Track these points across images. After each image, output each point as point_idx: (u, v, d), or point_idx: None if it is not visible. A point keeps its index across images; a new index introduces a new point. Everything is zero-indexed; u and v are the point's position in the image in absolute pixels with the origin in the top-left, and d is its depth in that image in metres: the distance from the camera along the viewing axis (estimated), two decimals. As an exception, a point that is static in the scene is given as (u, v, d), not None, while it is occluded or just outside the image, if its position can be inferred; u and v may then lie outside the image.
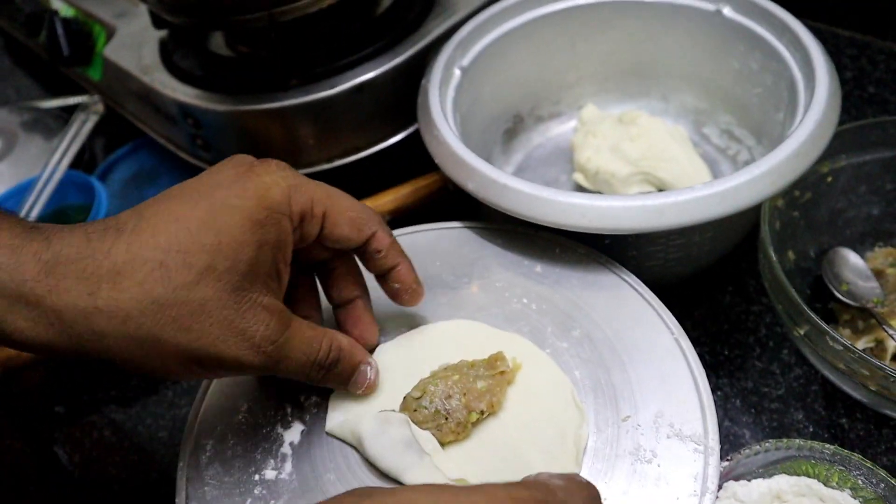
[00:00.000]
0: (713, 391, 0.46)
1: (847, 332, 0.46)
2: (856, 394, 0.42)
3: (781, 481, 0.38)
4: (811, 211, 0.49)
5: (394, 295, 0.41)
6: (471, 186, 0.46)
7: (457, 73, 0.56)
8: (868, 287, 0.48)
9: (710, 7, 0.55)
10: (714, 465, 0.35)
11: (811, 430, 0.44)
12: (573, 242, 0.45)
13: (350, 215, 0.38)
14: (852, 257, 0.49)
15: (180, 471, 0.39)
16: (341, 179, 0.58)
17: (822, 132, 0.43)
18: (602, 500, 0.31)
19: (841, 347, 0.37)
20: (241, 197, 0.34)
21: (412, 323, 0.43)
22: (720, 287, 0.52)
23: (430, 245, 0.48)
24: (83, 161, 0.74)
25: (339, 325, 0.41)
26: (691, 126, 0.62)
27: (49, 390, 0.57)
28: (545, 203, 0.42)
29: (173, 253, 0.32)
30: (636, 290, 0.42)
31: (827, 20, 0.70)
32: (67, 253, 0.32)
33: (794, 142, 0.42)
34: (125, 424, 0.54)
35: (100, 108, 0.73)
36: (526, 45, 0.60)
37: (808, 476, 0.38)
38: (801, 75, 0.49)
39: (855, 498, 0.37)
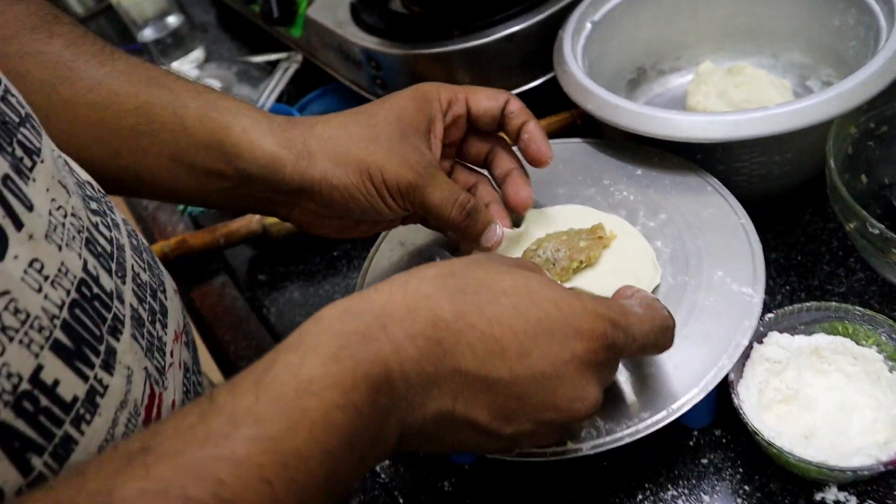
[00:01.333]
0: (782, 286, 0.56)
1: (906, 242, 0.54)
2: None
3: (820, 339, 0.47)
4: (886, 143, 0.57)
5: (526, 147, 0.50)
6: (590, 107, 0.58)
7: (588, 25, 0.67)
8: (934, 209, 0.55)
9: (815, -29, 0.64)
10: (757, 309, 0.45)
11: (864, 308, 0.52)
12: (669, 153, 0.56)
13: (486, 93, 0.51)
14: (923, 185, 0.56)
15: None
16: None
17: (887, 69, 0.51)
18: (672, 332, 0.39)
19: (878, 231, 0.46)
20: (407, 90, 0.50)
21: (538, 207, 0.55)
22: (801, 208, 0.61)
23: (556, 154, 0.59)
24: (282, 100, 0.93)
25: (503, 193, 0.52)
26: (796, 80, 0.70)
27: (255, 262, 0.75)
28: (643, 117, 0.54)
29: (362, 114, 0.48)
30: (715, 188, 0.53)
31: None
32: (300, 118, 0.49)
33: (858, 76, 0.51)
34: (309, 289, 0.70)
35: (299, 58, 0.91)
36: (652, 6, 0.71)
37: (844, 335, 0.47)
38: (885, 24, 0.56)
39: (880, 353, 0.46)
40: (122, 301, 0.38)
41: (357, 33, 0.78)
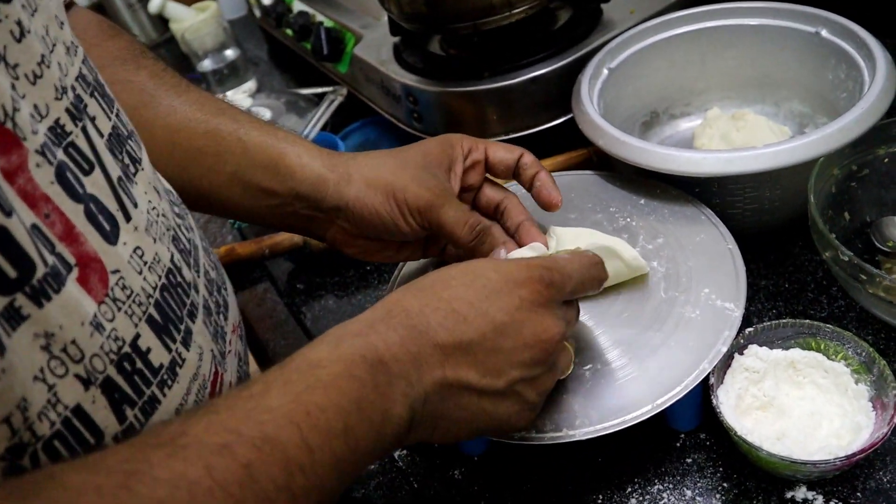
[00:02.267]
0: (769, 310, 0.62)
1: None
2: (878, 312, 0.56)
3: (796, 353, 0.53)
4: (867, 184, 0.63)
5: (538, 194, 0.56)
6: (601, 143, 0.65)
7: (605, 72, 0.75)
8: (912, 246, 0.61)
9: (811, 29, 0.71)
10: (736, 323, 0.51)
11: (833, 325, 0.58)
12: (670, 186, 0.63)
13: (504, 146, 0.58)
14: (902, 223, 0.62)
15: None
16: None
17: (866, 116, 0.58)
18: (603, 267, 0.48)
19: (847, 258, 0.52)
20: (434, 138, 0.58)
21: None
22: (792, 241, 0.67)
23: (569, 183, 0.67)
24: (326, 129, 1.01)
25: (518, 242, 0.57)
26: (796, 127, 0.76)
27: (295, 273, 0.83)
28: (645, 153, 0.61)
29: (394, 151, 0.57)
30: (708, 218, 0.60)
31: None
32: (346, 153, 0.58)
33: (839, 122, 0.57)
34: (342, 299, 0.78)
35: (343, 92, 1.00)
36: (664, 56, 0.78)
37: (816, 350, 0.53)
38: (868, 78, 0.63)
39: (847, 367, 0.52)
40: (197, 291, 0.46)
41: (398, 71, 0.86)
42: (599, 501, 0.53)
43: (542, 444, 0.49)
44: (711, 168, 0.58)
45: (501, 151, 0.58)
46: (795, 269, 0.65)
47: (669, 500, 0.52)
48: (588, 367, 0.51)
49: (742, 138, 0.72)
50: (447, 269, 0.44)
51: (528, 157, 0.58)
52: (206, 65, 1.18)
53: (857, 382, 0.51)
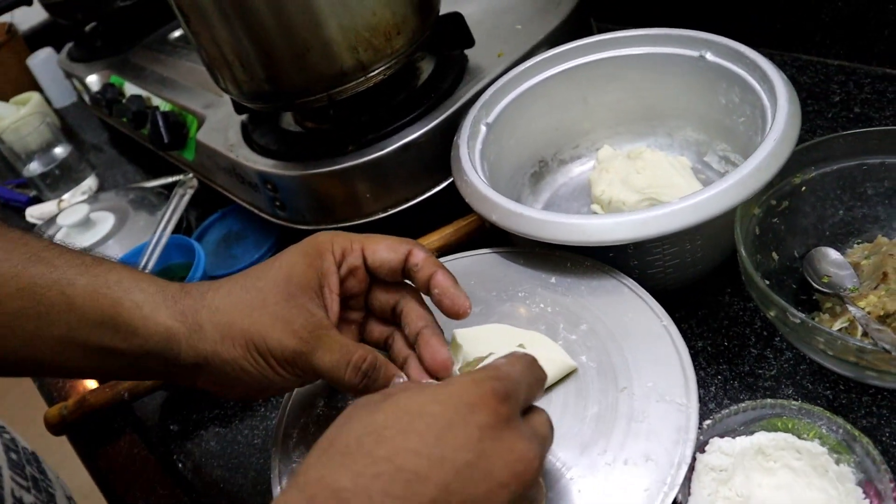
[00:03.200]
0: (714, 376, 0.54)
1: (826, 316, 0.54)
2: (835, 368, 0.49)
3: (762, 437, 0.46)
4: (790, 217, 0.57)
5: (439, 303, 0.46)
6: (494, 218, 0.56)
7: (483, 128, 0.67)
8: (846, 276, 0.55)
9: (694, 54, 0.65)
10: (694, 419, 0.43)
11: (799, 401, 0.51)
12: (581, 257, 0.55)
13: (386, 243, 0.47)
14: (832, 254, 0.56)
15: (273, 454, 0.50)
16: (395, 225, 0.70)
17: (779, 151, 0.51)
18: (539, 365, 0.39)
19: (799, 321, 0.45)
20: (299, 245, 0.47)
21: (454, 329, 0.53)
22: (720, 290, 0.60)
23: (466, 268, 0.58)
24: (181, 228, 0.88)
25: (419, 356, 0.47)
26: (694, 156, 0.71)
27: (165, 412, 0.69)
28: (550, 225, 0.52)
29: (251, 277, 0.46)
30: (632, 289, 0.52)
31: (817, 52, 0.79)
32: (191, 285, 0.46)
33: (753, 161, 0.51)
34: (226, 436, 0.65)
35: (194, 183, 0.88)
36: (543, 100, 0.71)
37: (784, 431, 0.46)
38: (769, 104, 0.57)
39: (823, 445, 0.44)
40: None
41: (250, 156, 0.75)
42: None
43: None
44: (628, 234, 0.50)
45: (383, 251, 0.47)
46: (731, 322, 0.58)
47: None
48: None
49: (644, 181, 0.65)
50: (371, 416, 0.34)
51: (418, 255, 0.47)
52: (34, 168, 1.03)
53: (837, 463, 0.44)
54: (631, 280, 0.52)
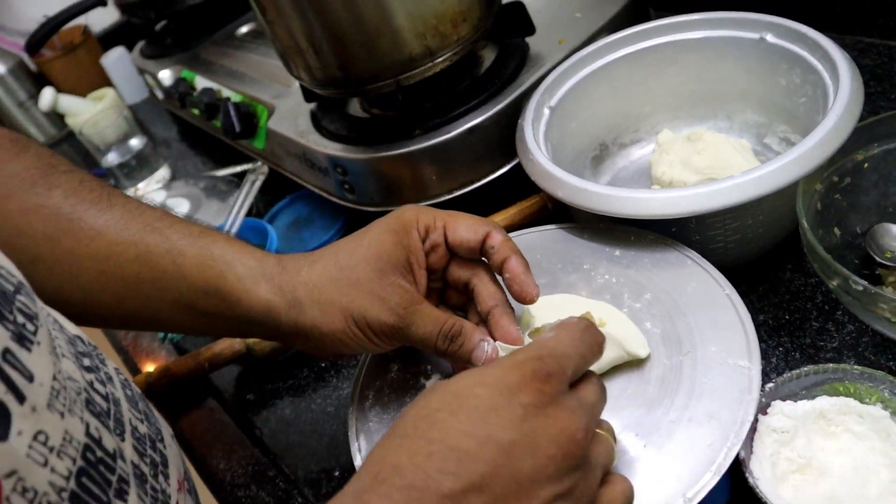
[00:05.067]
0: (775, 348, 0.56)
1: (890, 290, 0.54)
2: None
3: (823, 402, 0.47)
4: (852, 194, 0.58)
5: (509, 287, 0.48)
6: (560, 194, 0.58)
7: (546, 112, 0.69)
8: (911, 255, 0.56)
9: (755, 36, 0.66)
10: (756, 381, 0.45)
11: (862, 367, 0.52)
12: (644, 231, 0.57)
13: (466, 223, 0.49)
14: (895, 229, 0.57)
15: (350, 413, 0.53)
16: (460, 207, 0.72)
17: (841, 126, 0.53)
18: (595, 328, 0.41)
19: (861, 287, 0.46)
20: (386, 220, 0.50)
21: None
22: (781, 266, 0.61)
23: (531, 243, 0.60)
24: (252, 214, 0.93)
25: (490, 334, 0.49)
26: (754, 138, 0.72)
27: (243, 382, 0.73)
28: (615, 199, 0.54)
29: (343, 253, 0.49)
30: (695, 261, 0.53)
31: (879, 34, 0.79)
32: (291, 257, 0.50)
33: (815, 136, 0.52)
34: (300, 405, 0.69)
35: (265, 170, 0.92)
36: (604, 84, 0.73)
37: (846, 395, 0.47)
38: (831, 83, 0.58)
39: (885, 409, 0.46)
40: (124, 459, 0.38)
41: (320, 141, 0.79)
42: None
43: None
44: (692, 206, 0.52)
45: (463, 230, 0.49)
46: (792, 297, 0.59)
47: None
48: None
49: (705, 161, 0.66)
50: (425, 399, 0.37)
51: (496, 238, 0.49)
52: (111, 159, 1.08)
53: (900, 426, 0.45)
54: (694, 252, 0.54)
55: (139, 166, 1.08)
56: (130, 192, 1.01)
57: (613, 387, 0.48)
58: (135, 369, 0.79)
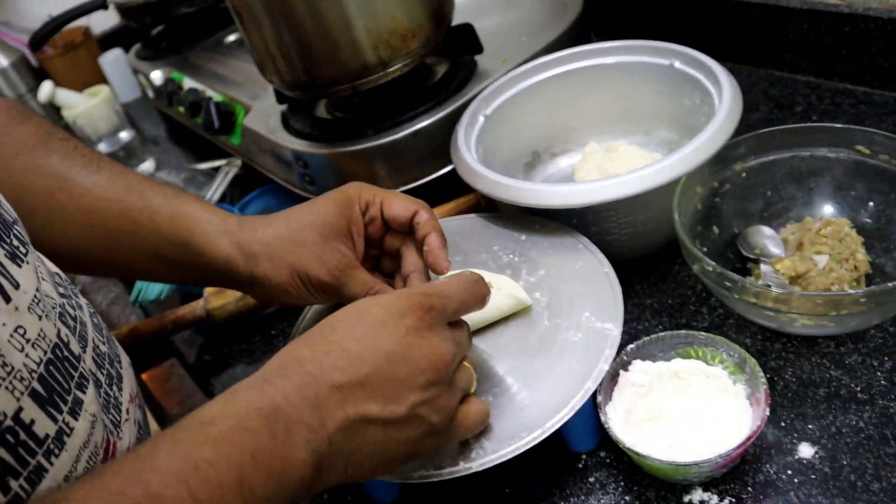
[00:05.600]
0: (656, 327, 0.65)
1: (751, 278, 0.64)
2: (747, 314, 0.59)
3: (677, 363, 0.56)
4: (731, 199, 0.67)
5: (425, 258, 0.56)
6: (479, 186, 0.68)
7: (481, 119, 0.78)
8: (775, 248, 0.65)
9: (666, 62, 0.76)
10: (615, 341, 0.54)
11: (707, 333, 0.61)
12: (549, 221, 0.66)
13: (400, 201, 0.58)
14: (766, 230, 0.66)
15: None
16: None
17: (716, 137, 0.62)
18: (483, 282, 0.50)
19: (711, 268, 0.55)
20: (333, 193, 0.59)
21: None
22: (672, 260, 0.70)
23: (457, 227, 0.70)
24: (225, 201, 1.02)
25: None
26: (667, 153, 0.80)
27: (203, 347, 0.82)
28: (519, 191, 0.64)
29: (293, 219, 0.58)
30: (585, 246, 0.63)
31: (787, 69, 0.89)
32: (247, 217, 0.59)
33: (693, 144, 0.62)
34: (250, 366, 0.77)
35: (238, 163, 1.01)
36: (538, 99, 0.83)
37: (696, 358, 0.56)
38: (717, 101, 0.68)
39: (724, 370, 0.55)
40: (85, 364, 0.46)
41: (287, 137, 0.88)
42: (510, 534, 0.54)
43: (442, 479, 0.50)
44: (580, 199, 0.61)
45: (396, 208, 0.58)
46: (677, 286, 0.68)
47: (576, 522, 0.54)
48: (483, 398, 0.53)
49: (615, 168, 0.76)
50: (334, 314, 0.46)
51: (422, 216, 0.58)
52: (102, 148, 1.18)
53: (734, 383, 0.54)
54: (586, 239, 0.63)
55: (127, 157, 1.17)
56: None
57: (503, 339, 0.57)
58: (111, 325, 0.87)
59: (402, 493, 0.58)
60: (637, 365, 0.56)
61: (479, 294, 0.50)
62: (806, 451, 0.53)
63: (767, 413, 0.49)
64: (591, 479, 0.56)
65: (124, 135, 1.18)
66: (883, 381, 0.55)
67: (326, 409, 0.41)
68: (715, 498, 0.52)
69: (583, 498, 0.55)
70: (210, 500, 0.35)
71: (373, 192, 0.58)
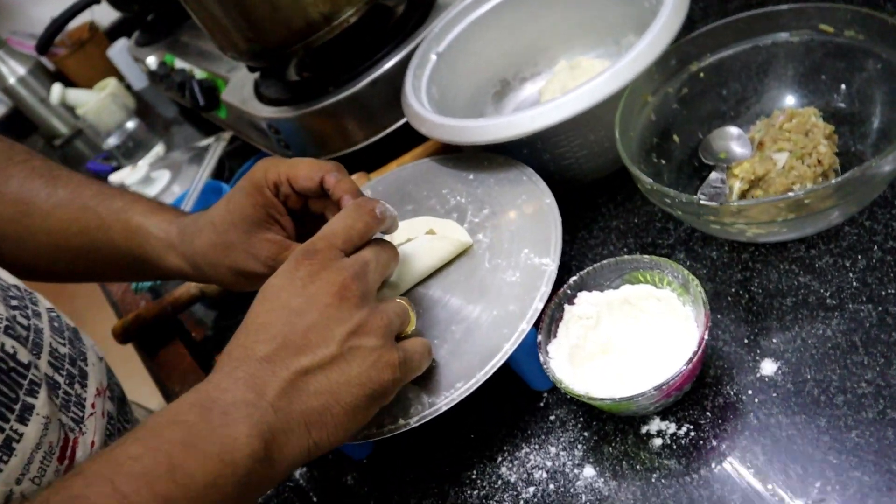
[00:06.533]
0: (621, 249, 0.62)
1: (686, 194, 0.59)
2: (710, 231, 0.55)
3: (627, 290, 0.53)
4: (692, 103, 0.62)
5: None
6: (423, 130, 0.65)
7: (433, 57, 0.75)
8: (743, 151, 0.60)
9: (619, -36, 0.70)
10: (551, 277, 0.52)
11: (688, 263, 0.58)
12: (496, 155, 0.63)
13: (304, 172, 0.55)
14: (733, 131, 0.61)
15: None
16: (382, 150, 0.80)
17: (658, 40, 0.57)
18: (365, 203, 0.49)
19: (649, 186, 0.51)
20: (242, 182, 0.58)
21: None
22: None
23: (408, 174, 0.68)
24: (224, 176, 1.03)
25: None
26: (638, 60, 0.76)
27: (203, 322, 0.84)
28: (460, 129, 0.61)
29: (217, 220, 0.58)
30: (530, 178, 0.60)
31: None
32: (187, 223, 0.60)
33: (632, 52, 0.57)
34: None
35: (226, 136, 1.02)
36: (494, 26, 0.78)
37: (645, 283, 0.53)
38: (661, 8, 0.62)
39: (673, 292, 0.51)
40: (38, 369, 0.49)
41: (258, 106, 0.88)
42: (474, 476, 0.54)
43: (383, 437, 0.50)
44: (514, 130, 0.58)
45: (302, 180, 0.56)
46: (643, 203, 0.64)
47: (536, 460, 0.53)
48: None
49: (577, 83, 0.71)
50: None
51: (329, 181, 0.55)
52: (111, 141, 1.21)
53: (683, 305, 0.51)
54: (530, 170, 0.60)
55: (135, 147, 1.20)
56: (128, 169, 1.12)
57: (445, 284, 0.56)
58: (119, 315, 0.91)
59: (375, 449, 0.59)
60: (583, 297, 0.53)
61: (364, 211, 0.49)
62: (768, 367, 0.49)
63: (706, 338, 0.46)
64: (552, 418, 0.54)
65: (130, 125, 1.21)
66: (855, 283, 0.50)
67: (261, 381, 0.42)
68: (673, 426, 0.50)
69: (543, 437, 0.54)
70: (137, 492, 0.37)
71: (277, 171, 0.56)
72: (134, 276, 0.69)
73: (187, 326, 0.87)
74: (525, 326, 0.50)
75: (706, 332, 0.46)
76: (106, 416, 0.55)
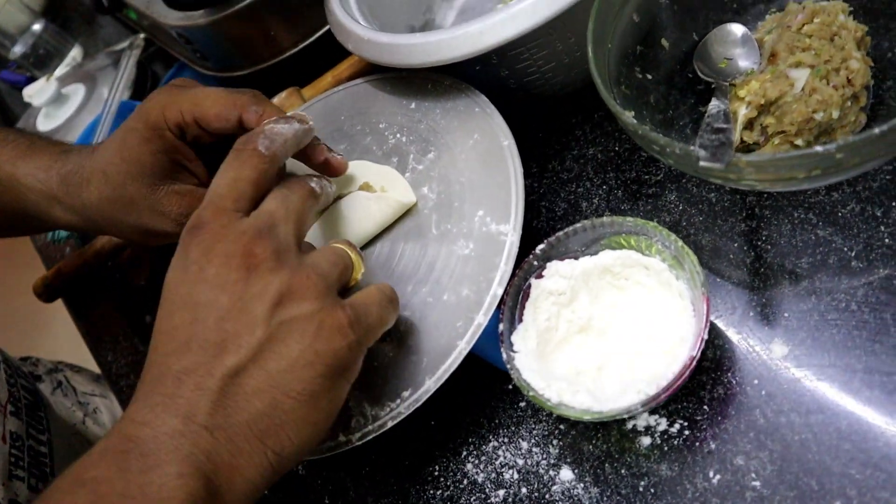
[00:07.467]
0: (599, 186, 0.51)
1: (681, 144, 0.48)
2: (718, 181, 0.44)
3: (606, 256, 0.43)
4: (681, -2, 0.49)
5: None
6: (350, 46, 0.53)
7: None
8: (749, 57, 0.48)
9: None
10: (512, 250, 0.41)
11: (681, 207, 0.47)
12: (442, 76, 0.51)
13: (215, 110, 0.44)
14: (737, 31, 0.49)
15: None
16: (314, 57, 0.67)
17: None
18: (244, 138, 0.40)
19: (626, 119, 0.40)
20: (135, 121, 0.46)
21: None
22: (621, 89, 0.54)
23: (338, 102, 0.56)
24: (147, 87, 0.89)
25: None
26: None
27: (133, 269, 0.74)
28: (392, 48, 0.48)
29: (110, 169, 0.47)
30: (483, 108, 0.48)
31: None
32: (70, 168, 0.49)
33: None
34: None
35: (140, 43, 0.87)
36: None
37: (628, 248, 0.43)
38: None
39: (663, 262, 0.41)
40: None
41: (162, 11, 0.73)
42: (437, 473, 0.47)
43: (323, 456, 0.42)
44: (464, 49, 0.46)
45: (213, 119, 0.45)
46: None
47: (505, 456, 0.45)
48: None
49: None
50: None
51: (251, 118, 0.44)
52: (17, 50, 1.05)
53: (677, 278, 0.41)
54: (483, 98, 0.48)
55: (47, 54, 1.04)
56: (43, 80, 0.97)
57: (390, 262, 0.46)
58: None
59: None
60: (554, 267, 0.43)
61: (247, 152, 0.39)
62: (779, 349, 0.40)
63: (705, 337, 0.36)
64: (522, 405, 0.46)
65: (36, 27, 1.04)
66: (887, 240, 0.40)
67: (184, 401, 0.34)
68: (664, 422, 0.41)
69: (513, 429, 0.46)
70: None
71: (178, 109, 0.45)
72: (30, 230, 0.60)
73: (128, 275, 0.76)
74: (482, 320, 0.40)
75: (706, 330, 0.36)
76: (9, 440, 0.47)
